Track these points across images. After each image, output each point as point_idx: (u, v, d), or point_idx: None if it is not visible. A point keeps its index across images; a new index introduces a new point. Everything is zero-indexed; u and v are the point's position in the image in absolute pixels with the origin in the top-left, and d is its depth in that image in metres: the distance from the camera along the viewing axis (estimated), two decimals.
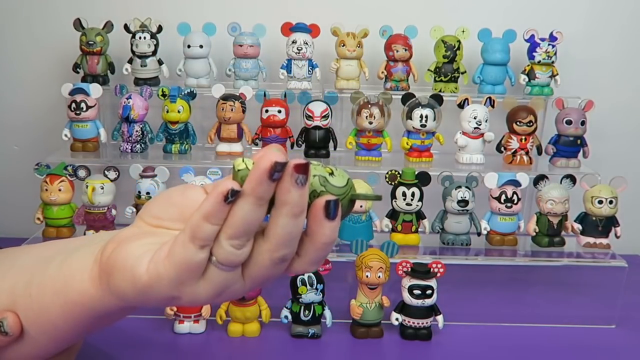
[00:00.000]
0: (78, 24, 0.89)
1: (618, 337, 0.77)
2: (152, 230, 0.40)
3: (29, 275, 0.43)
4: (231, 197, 0.35)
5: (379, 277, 0.72)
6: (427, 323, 0.74)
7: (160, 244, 0.38)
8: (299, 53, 0.88)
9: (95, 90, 0.85)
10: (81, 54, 0.90)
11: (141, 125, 0.86)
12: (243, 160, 0.37)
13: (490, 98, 0.87)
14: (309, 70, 0.90)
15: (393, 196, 0.81)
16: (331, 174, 0.38)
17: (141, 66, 0.90)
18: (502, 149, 0.89)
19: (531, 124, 0.86)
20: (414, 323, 0.74)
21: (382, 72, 0.91)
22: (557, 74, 0.91)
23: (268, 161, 0.34)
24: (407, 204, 0.80)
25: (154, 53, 0.90)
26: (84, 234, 0.80)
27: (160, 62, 0.91)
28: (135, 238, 0.40)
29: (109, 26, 0.90)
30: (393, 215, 0.82)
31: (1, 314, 0.42)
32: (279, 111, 0.84)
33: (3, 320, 0.42)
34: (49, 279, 0.42)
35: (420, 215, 0.82)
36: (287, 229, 0.36)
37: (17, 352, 0.44)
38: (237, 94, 0.85)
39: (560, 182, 0.82)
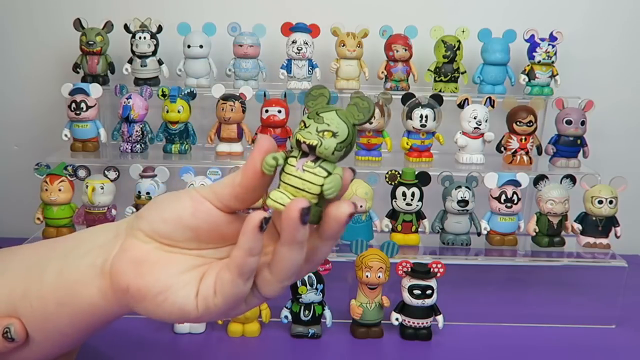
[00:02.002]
0: (78, 24, 0.89)
1: (618, 337, 0.77)
2: (170, 256, 0.41)
3: (24, 284, 0.43)
4: (265, 225, 0.36)
5: (379, 277, 0.72)
6: (427, 323, 0.74)
7: (196, 277, 0.40)
8: (299, 53, 0.88)
9: (95, 90, 0.85)
10: (81, 54, 0.90)
11: (141, 125, 0.86)
12: (274, 158, 0.37)
13: (490, 98, 0.87)
14: (309, 70, 0.90)
15: (393, 196, 0.81)
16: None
17: (141, 66, 0.90)
18: (502, 149, 0.89)
19: (531, 124, 0.86)
20: (414, 323, 0.74)
21: (382, 72, 0.91)
22: (557, 74, 0.91)
23: (296, 210, 0.35)
24: (407, 204, 0.80)
25: (154, 53, 0.90)
26: None
27: (160, 62, 0.91)
28: (157, 262, 0.40)
29: (109, 26, 0.90)
30: (393, 215, 0.82)
31: (7, 320, 0.42)
32: (279, 111, 0.84)
33: (9, 326, 0.42)
34: (48, 290, 0.42)
35: (420, 215, 0.82)
36: (296, 262, 0.38)
37: (21, 357, 0.44)
38: (237, 94, 0.85)
39: (560, 182, 0.82)
